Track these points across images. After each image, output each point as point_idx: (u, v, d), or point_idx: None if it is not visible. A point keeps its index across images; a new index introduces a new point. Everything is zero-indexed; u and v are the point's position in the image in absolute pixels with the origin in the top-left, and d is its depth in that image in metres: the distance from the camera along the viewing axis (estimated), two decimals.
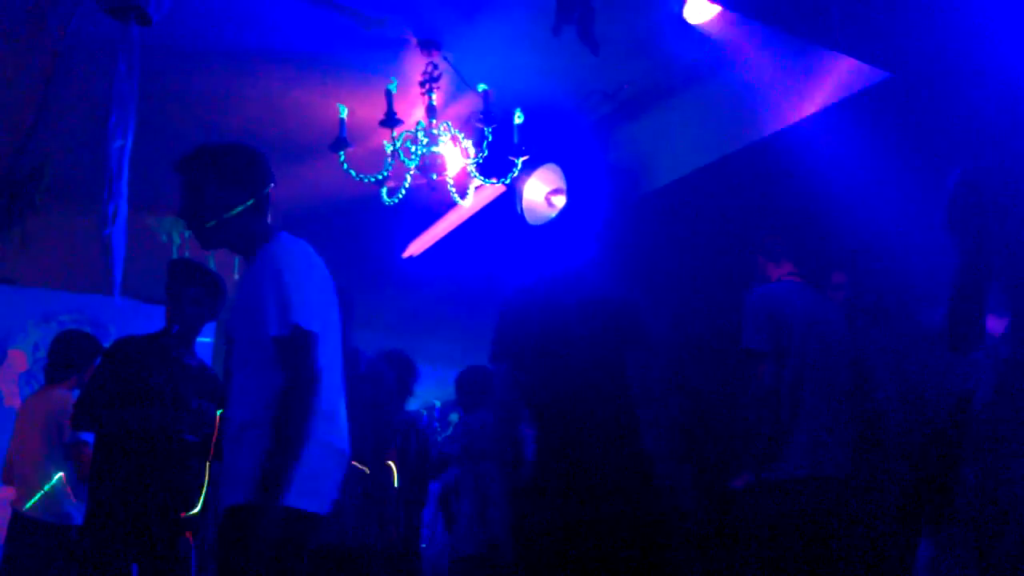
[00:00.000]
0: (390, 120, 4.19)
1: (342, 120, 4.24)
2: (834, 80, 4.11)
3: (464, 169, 4.44)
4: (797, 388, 3.23)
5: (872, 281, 4.16)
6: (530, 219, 5.23)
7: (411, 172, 4.36)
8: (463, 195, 4.57)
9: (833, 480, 3.19)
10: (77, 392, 4.54)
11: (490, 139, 4.32)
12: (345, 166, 4.29)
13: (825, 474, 3.17)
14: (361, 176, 4.34)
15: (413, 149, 4.31)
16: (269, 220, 2.51)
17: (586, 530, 2.63)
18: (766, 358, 3.25)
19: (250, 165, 2.50)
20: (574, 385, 2.77)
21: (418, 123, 4.35)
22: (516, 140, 4.33)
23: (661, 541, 2.66)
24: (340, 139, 4.25)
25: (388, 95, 4.20)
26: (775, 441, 3.18)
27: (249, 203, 2.42)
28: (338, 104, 4.26)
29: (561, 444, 2.73)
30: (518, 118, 4.30)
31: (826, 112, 4.18)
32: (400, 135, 4.34)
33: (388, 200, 4.45)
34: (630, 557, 2.63)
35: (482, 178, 4.46)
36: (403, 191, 4.44)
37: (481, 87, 4.24)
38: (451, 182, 4.46)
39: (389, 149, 4.34)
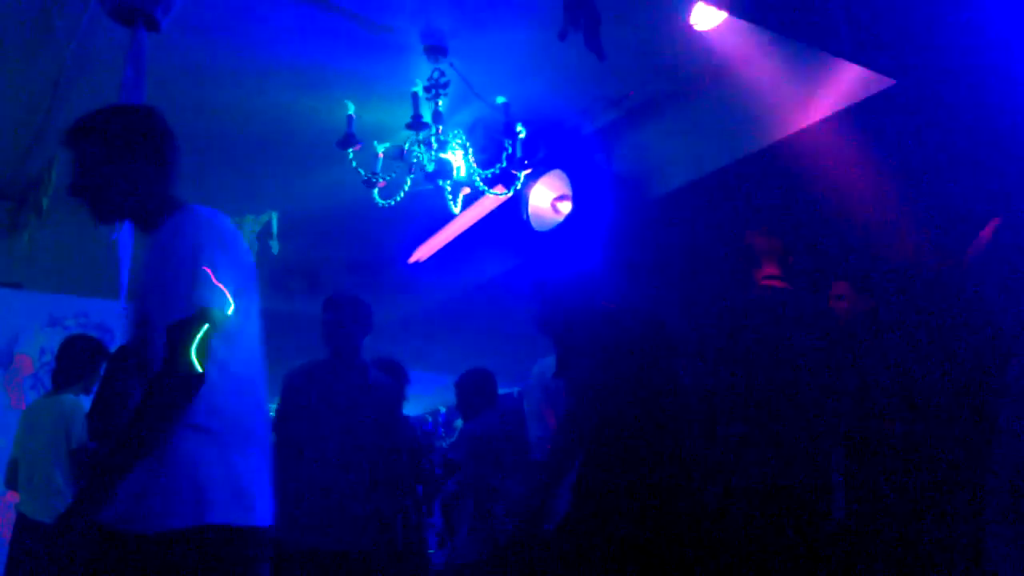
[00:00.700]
0: (416, 123, 4.19)
1: (350, 117, 4.23)
2: (839, 87, 4.11)
3: (470, 176, 4.46)
4: (751, 398, 3.19)
5: (875, 287, 4.15)
6: (536, 225, 5.24)
7: (411, 175, 4.38)
8: (467, 202, 4.59)
9: (790, 490, 3.14)
10: (84, 397, 4.56)
11: (509, 151, 4.32)
12: (354, 163, 4.29)
13: (782, 483, 3.12)
14: (370, 175, 4.33)
15: (417, 153, 4.33)
16: (173, 189, 2.21)
17: (655, 538, 2.70)
18: (722, 368, 3.24)
19: (141, 127, 2.20)
20: (643, 398, 2.89)
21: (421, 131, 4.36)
22: (519, 154, 4.32)
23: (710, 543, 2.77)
24: (348, 135, 4.23)
25: (414, 98, 4.20)
26: (735, 451, 3.17)
27: (141, 168, 2.14)
28: (346, 100, 4.24)
29: (628, 455, 2.81)
30: (521, 132, 4.29)
31: (832, 119, 4.18)
32: (408, 141, 4.35)
33: (381, 202, 4.45)
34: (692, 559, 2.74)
35: (485, 188, 4.46)
36: (401, 194, 4.45)
37: (500, 99, 4.24)
38: (448, 188, 4.47)
39: (380, 149, 4.34)
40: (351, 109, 4.23)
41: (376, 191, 4.44)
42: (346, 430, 3.85)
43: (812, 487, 3.18)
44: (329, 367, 3.99)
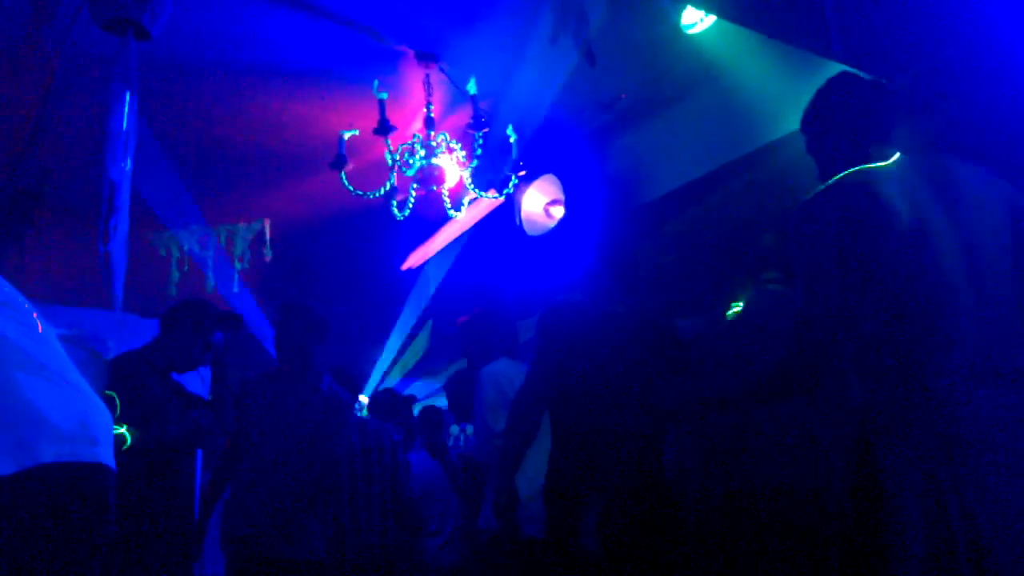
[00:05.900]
0: (383, 128, 4.12)
1: (341, 138, 4.20)
2: None
3: (461, 180, 4.44)
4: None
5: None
6: (529, 230, 5.24)
7: (413, 185, 4.36)
8: (459, 207, 4.57)
9: (786, 488, 3.14)
10: None
11: (480, 142, 4.29)
12: (349, 185, 4.26)
13: (778, 483, 3.13)
14: (359, 192, 4.32)
15: (411, 161, 4.31)
16: None
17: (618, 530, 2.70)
18: (735, 369, 3.24)
19: None
20: (613, 393, 2.87)
21: (414, 135, 4.35)
22: (515, 155, 4.30)
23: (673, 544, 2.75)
24: (340, 156, 4.21)
25: (381, 104, 4.15)
26: (742, 451, 3.17)
27: None
28: (334, 118, 4.22)
29: (590, 448, 2.82)
30: (511, 136, 4.27)
31: None
32: (399, 147, 4.34)
33: (399, 215, 4.42)
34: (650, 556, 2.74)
35: (478, 191, 4.45)
36: (411, 204, 4.41)
37: (471, 89, 4.17)
38: (446, 194, 4.45)
39: (391, 161, 4.33)
40: (348, 134, 4.19)
41: (395, 203, 4.39)
42: (288, 439, 3.84)
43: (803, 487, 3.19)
44: (277, 375, 3.97)
